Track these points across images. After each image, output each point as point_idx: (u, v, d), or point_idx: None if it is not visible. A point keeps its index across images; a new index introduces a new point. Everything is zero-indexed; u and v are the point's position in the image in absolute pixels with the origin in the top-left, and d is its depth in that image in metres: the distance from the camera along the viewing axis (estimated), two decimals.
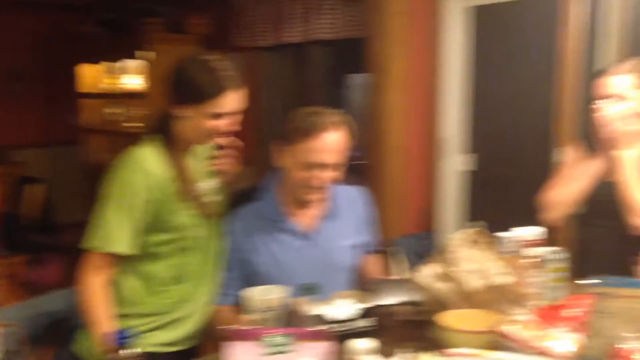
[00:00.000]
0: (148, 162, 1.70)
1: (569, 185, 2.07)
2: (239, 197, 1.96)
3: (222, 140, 1.76)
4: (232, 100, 1.68)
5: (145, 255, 1.75)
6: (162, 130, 1.75)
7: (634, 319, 1.31)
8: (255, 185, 1.98)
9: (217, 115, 1.68)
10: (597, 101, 1.98)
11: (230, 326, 1.29)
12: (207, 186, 1.82)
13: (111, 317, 1.68)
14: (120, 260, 1.72)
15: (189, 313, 1.84)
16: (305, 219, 1.89)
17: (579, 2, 2.77)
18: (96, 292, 1.69)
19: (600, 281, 1.33)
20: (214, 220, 1.84)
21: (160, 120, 1.77)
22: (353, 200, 1.98)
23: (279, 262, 1.86)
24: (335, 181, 1.83)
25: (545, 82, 3.00)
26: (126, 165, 1.71)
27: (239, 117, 1.73)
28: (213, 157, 1.84)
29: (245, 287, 1.83)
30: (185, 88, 1.68)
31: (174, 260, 1.78)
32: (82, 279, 1.70)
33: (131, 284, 1.77)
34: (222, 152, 1.83)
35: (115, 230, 1.68)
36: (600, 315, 1.35)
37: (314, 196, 1.83)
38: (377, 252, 2.05)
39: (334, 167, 1.79)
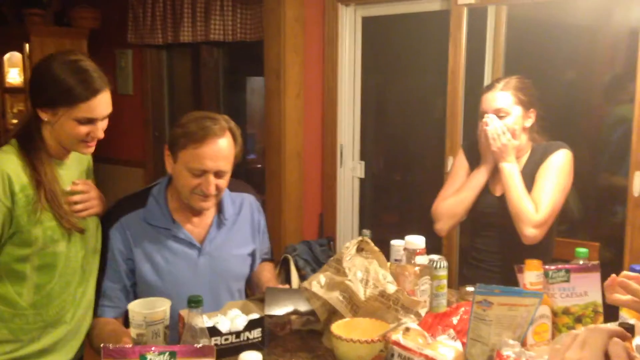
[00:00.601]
0: (8, 167, 1.56)
1: (456, 196, 2.15)
2: (123, 202, 1.86)
3: (88, 149, 1.65)
4: (103, 104, 1.59)
5: (2, 274, 1.60)
6: (29, 134, 1.61)
7: (511, 326, 1.38)
8: (139, 191, 1.88)
9: (88, 120, 1.58)
10: (484, 115, 2.08)
11: (109, 344, 1.22)
12: (78, 198, 1.68)
13: None
14: None
15: (59, 340, 1.69)
16: (195, 227, 1.84)
17: (465, 18, 2.90)
18: None
19: (481, 289, 1.38)
20: (83, 235, 1.69)
21: (27, 122, 1.64)
22: (244, 207, 1.94)
23: (167, 271, 1.79)
24: (223, 188, 1.79)
25: (438, 93, 3.13)
26: None
27: (105, 122, 1.64)
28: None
29: (131, 298, 1.77)
30: (52, 89, 1.56)
31: (32, 280, 1.62)
32: None
33: None
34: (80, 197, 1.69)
35: None
36: (479, 322, 1.41)
37: (203, 203, 1.77)
38: (269, 260, 2.03)
39: (223, 174, 1.75)
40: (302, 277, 2.42)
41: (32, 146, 1.60)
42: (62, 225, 1.61)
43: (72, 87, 1.54)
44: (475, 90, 2.98)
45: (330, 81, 3.45)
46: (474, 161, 2.18)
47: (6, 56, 4.52)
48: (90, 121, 1.59)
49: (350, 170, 3.54)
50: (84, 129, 1.59)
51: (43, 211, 1.57)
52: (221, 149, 1.71)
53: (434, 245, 1.93)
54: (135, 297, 1.76)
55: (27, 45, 4.20)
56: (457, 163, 2.25)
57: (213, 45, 4.12)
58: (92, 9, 4.41)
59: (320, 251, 2.71)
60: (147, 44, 4.20)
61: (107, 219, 1.80)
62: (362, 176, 3.54)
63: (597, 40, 2.83)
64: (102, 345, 1.22)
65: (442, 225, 2.17)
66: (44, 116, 1.59)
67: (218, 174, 1.74)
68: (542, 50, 2.91)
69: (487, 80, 2.90)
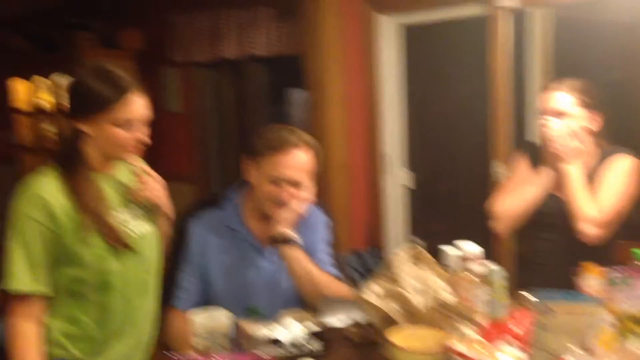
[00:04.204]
0: (46, 191, 1.57)
1: (516, 197, 2.13)
2: (201, 204, 1.96)
3: (134, 160, 1.66)
4: (137, 105, 1.59)
5: (63, 295, 1.62)
6: (68, 153, 1.62)
7: (575, 333, 1.35)
8: (217, 195, 1.99)
9: (124, 123, 1.58)
10: (544, 116, 2.06)
11: (175, 354, 1.26)
12: (127, 214, 1.69)
13: None
14: (43, 301, 1.59)
15: (123, 354, 1.72)
16: (263, 233, 1.89)
17: (506, 21, 2.88)
18: (22, 336, 1.56)
19: (542, 295, 1.37)
20: (140, 251, 1.69)
21: (66, 141, 1.64)
22: (312, 219, 1.97)
23: (232, 270, 1.86)
24: (306, 201, 1.84)
25: (480, 98, 3.10)
26: (23, 196, 1.58)
27: (146, 128, 1.64)
28: (137, 183, 1.71)
29: (201, 291, 1.86)
30: (85, 98, 1.57)
31: (93, 299, 1.63)
32: (10, 321, 1.57)
33: (58, 327, 1.63)
34: (145, 178, 1.71)
35: (14, 267, 1.55)
36: (542, 330, 1.39)
37: (278, 211, 1.82)
38: (330, 272, 2.03)
39: (301, 185, 1.81)
40: (354, 287, 2.42)
41: (72, 166, 1.61)
42: (109, 243, 1.61)
43: (101, 90, 1.56)
44: (520, 93, 2.95)
45: (373, 90, 3.46)
46: (535, 162, 2.15)
47: (59, 79, 4.68)
48: (129, 123, 1.59)
49: (396, 179, 3.53)
50: (124, 133, 1.59)
51: (87, 231, 1.58)
52: (299, 159, 1.79)
53: (485, 249, 1.91)
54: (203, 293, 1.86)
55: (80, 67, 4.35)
56: (518, 164, 2.23)
57: (256, 61, 4.18)
58: (138, 31, 4.54)
59: (372, 261, 2.72)
60: (192, 61, 4.29)
61: (187, 216, 1.91)
62: (409, 184, 3.52)
63: None
64: (170, 353, 1.25)
65: (502, 225, 2.15)
66: (85, 129, 1.60)
67: (296, 184, 1.80)
68: (588, 51, 2.86)
69: (531, 83, 2.86)
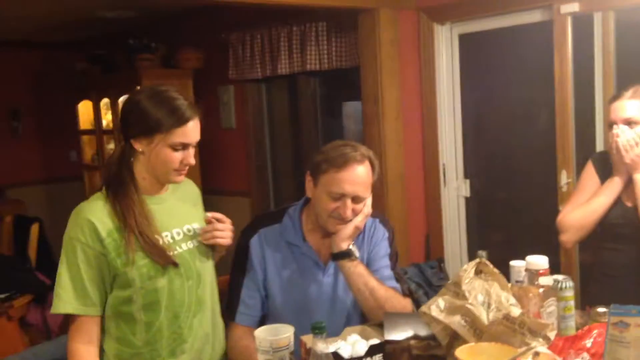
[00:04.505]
0: (94, 214, 1.61)
1: (585, 208, 2.07)
2: (261, 219, 1.99)
3: (180, 177, 1.69)
4: (194, 130, 1.64)
5: (113, 316, 1.65)
6: (117, 176, 1.65)
7: None
8: (277, 210, 2.01)
9: (182, 146, 1.62)
10: (613, 125, 2.00)
11: None
12: (177, 236, 1.71)
13: None
14: (95, 323, 1.63)
15: None
16: (324, 249, 1.90)
17: (569, 27, 2.81)
18: (75, 358, 1.60)
19: (614, 309, 1.31)
20: (184, 266, 1.69)
21: (116, 163, 1.68)
22: (371, 233, 1.97)
23: (293, 285, 1.87)
24: (366, 215, 1.84)
25: (541, 106, 3.03)
26: (74, 220, 1.62)
27: (194, 150, 1.68)
28: (205, 231, 1.73)
29: (262, 307, 1.88)
30: (145, 120, 1.60)
31: (141, 319, 1.64)
32: (68, 344, 1.62)
33: (112, 350, 1.66)
34: (215, 225, 1.74)
35: (61, 289, 1.59)
36: (615, 344, 1.33)
37: (339, 227, 1.82)
38: (391, 286, 2.01)
39: (360, 199, 1.81)
40: (415, 301, 2.39)
41: (121, 188, 1.64)
42: (157, 262, 1.62)
43: (165, 115, 1.60)
44: (584, 100, 2.87)
45: (429, 101, 3.43)
46: (605, 172, 2.10)
47: (120, 99, 4.85)
48: (184, 147, 1.63)
49: (454, 190, 3.48)
50: (178, 156, 1.63)
51: (134, 252, 1.60)
52: (360, 175, 1.79)
53: (548, 261, 1.84)
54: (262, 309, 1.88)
55: (138, 88, 4.50)
56: (586, 174, 2.17)
57: (309, 75, 4.22)
58: (195, 51, 4.66)
59: (431, 273, 2.68)
60: (247, 79, 4.37)
61: (248, 231, 1.93)
62: (468, 195, 3.47)
63: None
64: None
65: (570, 237, 2.09)
66: (139, 147, 1.63)
67: (355, 199, 1.80)
68: None
69: (597, 90, 2.78)
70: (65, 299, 1.58)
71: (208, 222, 1.75)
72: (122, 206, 1.62)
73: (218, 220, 1.75)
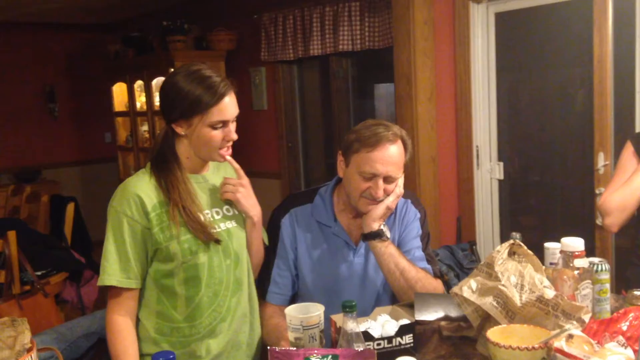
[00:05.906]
0: (139, 188, 1.63)
1: (627, 190, 2.02)
2: (292, 198, 1.98)
3: (226, 153, 1.69)
4: (231, 106, 1.64)
5: (154, 290, 1.68)
6: (162, 154, 1.68)
7: None
8: (308, 190, 2.00)
9: (222, 123, 1.63)
10: None
11: (276, 347, 1.28)
12: (217, 214, 1.73)
13: (134, 357, 1.63)
14: (135, 296, 1.66)
15: (219, 353, 1.73)
16: (355, 229, 1.90)
17: (610, 3, 2.72)
18: (117, 330, 1.63)
19: None
20: (225, 244, 1.71)
21: (161, 142, 1.71)
22: (403, 214, 1.95)
23: (323, 264, 1.87)
24: (398, 196, 1.82)
25: (578, 86, 2.95)
26: (119, 194, 1.65)
27: (234, 125, 1.69)
28: (223, 185, 1.75)
29: (296, 287, 1.89)
30: (182, 101, 1.61)
31: (182, 294, 1.67)
32: (107, 316, 1.66)
33: (150, 323, 1.69)
34: (230, 180, 1.75)
35: (106, 262, 1.62)
36: None
37: (370, 207, 1.81)
38: (421, 267, 2.00)
39: (392, 179, 1.79)
40: (446, 283, 2.37)
41: (166, 166, 1.66)
42: (199, 238, 1.65)
43: (200, 95, 1.60)
44: (625, 79, 2.78)
45: (464, 82, 3.37)
46: None
47: (154, 81, 4.91)
48: (224, 124, 1.64)
49: (487, 172, 3.43)
50: (219, 134, 1.64)
51: (177, 227, 1.62)
52: (392, 154, 1.76)
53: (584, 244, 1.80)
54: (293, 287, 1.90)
55: (171, 70, 4.53)
56: (625, 155, 2.12)
57: (341, 56, 4.19)
58: (228, 32, 4.68)
59: (463, 256, 2.65)
60: (279, 60, 4.36)
61: (279, 211, 1.93)
62: (501, 177, 3.41)
63: None
64: (269, 347, 1.28)
65: (613, 220, 2.04)
66: (180, 130, 1.65)
67: (387, 179, 1.78)
68: None
69: (637, 70, 2.69)
70: (110, 272, 1.61)
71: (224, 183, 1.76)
72: (168, 181, 1.65)
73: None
